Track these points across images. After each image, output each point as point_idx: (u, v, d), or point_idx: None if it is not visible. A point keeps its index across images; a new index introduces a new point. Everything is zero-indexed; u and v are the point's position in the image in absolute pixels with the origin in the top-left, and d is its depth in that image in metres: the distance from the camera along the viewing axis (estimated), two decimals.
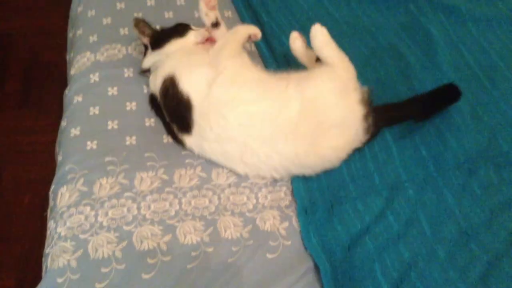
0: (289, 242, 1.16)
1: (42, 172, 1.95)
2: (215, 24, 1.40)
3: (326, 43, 1.28)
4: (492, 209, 1.24)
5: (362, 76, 1.51)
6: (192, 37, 1.40)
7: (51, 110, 2.41)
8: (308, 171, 1.27)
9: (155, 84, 1.35)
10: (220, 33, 1.41)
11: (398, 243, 1.18)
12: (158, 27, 1.47)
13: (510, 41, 1.65)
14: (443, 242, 1.18)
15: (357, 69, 1.54)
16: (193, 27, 1.42)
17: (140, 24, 1.41)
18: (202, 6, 1.37)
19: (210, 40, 1.41)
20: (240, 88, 1.24)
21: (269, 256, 1.14)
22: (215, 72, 1.26)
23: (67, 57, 1.74)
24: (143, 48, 1.47)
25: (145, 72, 1.44)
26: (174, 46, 1.38)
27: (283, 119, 1.22)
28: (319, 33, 1.28)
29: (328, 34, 1.29)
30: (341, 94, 1.25)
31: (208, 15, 1.39)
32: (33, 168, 2.25)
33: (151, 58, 1.42)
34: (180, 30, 1.41)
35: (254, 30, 1.40)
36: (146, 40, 1.42)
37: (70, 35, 1.77)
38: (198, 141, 1.27)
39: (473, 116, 1.43)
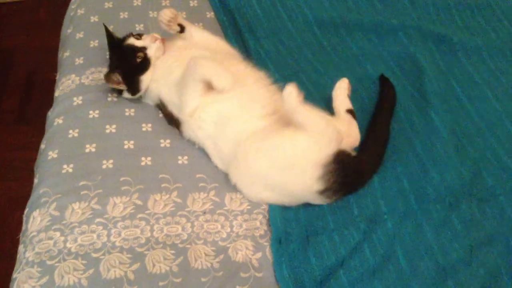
0: (261, 274, 1.13)
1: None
2: (181, 30, 1.47)
3: (295, 108, 1.22)
4: (472, 245, 1.21)
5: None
6: (152, 53, 1.41)
7: None
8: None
9: (153, 99, 1.45)
10: (192, 32, 1.49)
11: (373, 279, 1.15)
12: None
13: (500, 72, 1.63)
14: (419, 279, 1.15)
15: None
16: (136, 39, 1.43)
17: (111, 78, 1.40)
18: (163, 25, 1.43)
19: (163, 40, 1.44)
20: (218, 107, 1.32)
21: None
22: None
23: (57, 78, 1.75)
24: None
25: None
26: (147, 79, 1.41)
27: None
28: (290, 96, 1.22)
29: (297, 98, 1.22)
30: (298, 165, 1.22)
31: (171, 27, 1.45)
32: (25, 184, 2.24)
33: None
34: (139, 64, 1.40)
35: (214, 76, 1.30)
36: (123, 87, 1.43)
37: (59, 55, 1.78)
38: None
39: (457, 148, 1.40)
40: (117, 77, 1.39)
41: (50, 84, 2.58)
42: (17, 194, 2.15)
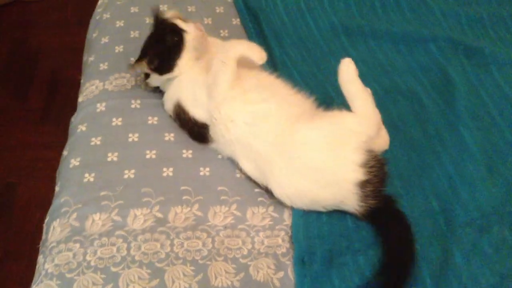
0: None
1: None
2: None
3: (352, 80, 1.28)
4: (502, 273, 1.16)
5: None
6: (190, 39, 1.36)
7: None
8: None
9: (167, 105, 1.41)
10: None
11: None
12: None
13: None
14: None
15: None
16: (180, 24, 1.38)
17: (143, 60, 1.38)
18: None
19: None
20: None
21: None
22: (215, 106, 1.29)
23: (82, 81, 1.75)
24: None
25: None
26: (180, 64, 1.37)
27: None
28: (348, 67, 1.28)
29: (355, 70, 1.27)
30: (343, 145, 1.20)
31: None
32: (47, 185, 2.25)
33: (158, 79, 1.41)
34: (177, 45, 1.36)
35: (250, 52, 1.31)
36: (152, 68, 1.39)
37: (84, 59, 1.77)
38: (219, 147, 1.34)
39: (489, 167, 1.35)
40: (150, 56, 1.36)
41: (75, 84, 2.61)
42: (39, 194, 2.18)
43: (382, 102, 1.51)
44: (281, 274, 1.13)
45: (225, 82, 1.27)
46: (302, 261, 1.15)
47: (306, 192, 1.22)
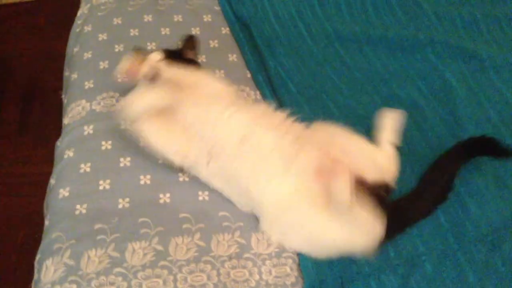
0: None
1: (39, 205, 1.85)
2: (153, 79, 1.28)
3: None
4: None
5: (374, 128, 1.42)
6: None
7: (49, 139, 2.32)
8: None
9: None
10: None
11: None
12: None
13: None
14: None
15: (369, 120, 1.45)
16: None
17: None
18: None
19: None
20: None
21: None
22: None
23: (63, 97, 1.65)
24: None
25: None
26: None
27: None
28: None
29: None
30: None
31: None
32: (30, 201, 2.15)
33: None
34: None
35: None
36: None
37: (66, 74, 1.68)
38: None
39: (496, 180, 1.31)
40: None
41: (51, 93, 2.50)
42: (21, 211, 2.08)
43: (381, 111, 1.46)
44: None
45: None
46: None
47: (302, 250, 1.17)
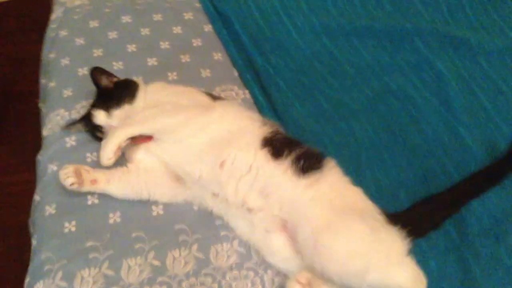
0: None
1: (19, 217, 1.78)
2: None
3: None
4: None
5: (370, 124, 1.39)
6: None
7: (26, 147, 2.23)
8: None
9: None
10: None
11: None
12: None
13: None
14: None
15: (363, 115, 1.41)
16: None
17: None
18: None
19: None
20: None
21: None
22: None
23: (40, 105, 1.58)
24: None
25: None
26: None
27: None
28: None
29: None
30: None
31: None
32: (10, 212, 2.07)
33: None
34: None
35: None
36: None
37: (42, 81, 1.60)
38: None
39: None
40: None
41: (25, 98, 2.40)
42: (1, 224, 1.99)
43: (375, 105, 1.44)
44: None
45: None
46: None
47: None
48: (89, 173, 1.16)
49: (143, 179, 1.17)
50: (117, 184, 1.17)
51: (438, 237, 1.18)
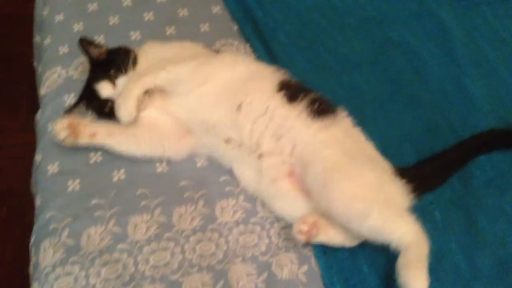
0: None
1: (19, 180, 1.77)
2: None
3: None
4: None
5: (373, 76, 1.37)
6: None
7: (21, 108, 2.20)
8: None
9: None
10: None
11: (431, 281, 1.05)
12: None
13: None
14: (480, 276, 1.05)
15: (366, 67, 1.39)
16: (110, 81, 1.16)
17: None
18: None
19: None
20: None
21: None
22: None
23: (35, 65, 1.54)
24: None
25: None
26: None
27: None
28: None
29: None
30: None
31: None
32: (9, 175, 2.06)
33: None
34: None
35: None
36: None
37: (36, 39, 1.56)
38: None
39: (498, 120, 1.29)
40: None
41: (20, 58, 2.34)
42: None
43: (378, 58, 1.42)
44: (305, 267, 1.05)
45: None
46: (324, 252, 1.07)
47: None
48: (87, 127, 1.14)
49: (147, 132, 1.15)
50: (118, 138, 1.15)
51: (442, 189, 1.18)
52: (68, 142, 1.13)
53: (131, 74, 1.15)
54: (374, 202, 1.01)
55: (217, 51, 1.26)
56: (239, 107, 1.11)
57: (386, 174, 1.06)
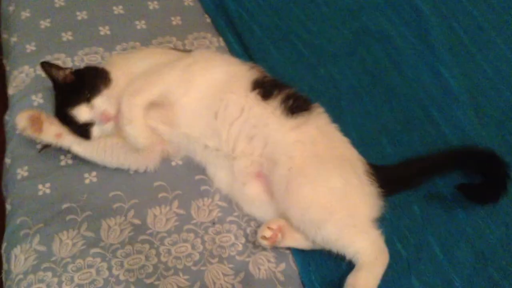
0: None
1: None
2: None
3: None
4: (507, 222, 1.12)
5: (349, 68, 1.36)
6: (97, 134, 1.11)
7: None
8: None
9: None
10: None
11: (409, 275, 1.04)
12: None
13: (505, 12, 1.50)
14: (458, 268, 1.05)
15: (342, 59, 1.38)
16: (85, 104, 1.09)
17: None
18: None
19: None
20: None
21: None
22: None
23: (4, 62, 1.50)
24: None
25: None
26: None
27: None
28: None
29: None
30: None
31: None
32: None
33: None
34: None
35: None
36: None
37: (4, 36, 1.50)
38: None
39: (475, 109, 1.29)
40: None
41: None
42: None
43: (354, 48, 1.40)
44: (282, 265, 1.04)
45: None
46: (302, 250, 1.06)
47: None
48: (53, 126, 1.10)
49: (119, 143, 1.10)
50: (86, 146, 1.11)
51: None
52: (29, 134, 1.09)
53: (105, 93, 1.09)
54: (333, 213, 1.00)
55: (188, 51, 1.21)
56: (215, 115, 1.08)
57: (355, 180, 1.04)
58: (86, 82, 1.09)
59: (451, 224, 1.11)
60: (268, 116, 1.07)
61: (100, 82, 1.09)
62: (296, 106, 1.08)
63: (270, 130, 1.06)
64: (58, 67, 1.12)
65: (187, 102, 1.09)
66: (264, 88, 1.09)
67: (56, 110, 1.14)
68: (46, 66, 1.11)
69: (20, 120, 1.09)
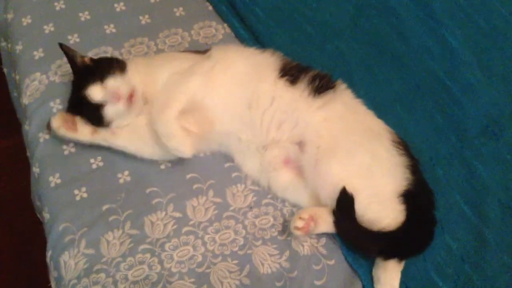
0: (333, 261, 1.06)
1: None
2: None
3: None
4: None
5: (355, 41, 1.38)
6: (110, 115, 1.11)
7: None
8: None
9: None
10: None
11: (443, 235, 1.10)
12: None
13: None
14: (488, 224, 1.11)
15: (347, 33, 1.40)
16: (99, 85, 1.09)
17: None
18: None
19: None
20: None
21: (317, 283, 1.03)
22: None
23: (5, 70, 1.49)
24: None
25: None
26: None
27: None
28: None
29: None
30: None
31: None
32: None
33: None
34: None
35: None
36: None
37: (2, 45, 1.49)
38: None
39: (482, 68, 1.33)
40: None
41: None
42: None
43: (356, 22, 1.43)
44: (323, 240, 1.08)
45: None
46: None
47: None
48: (87, 124, 1.12)
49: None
50: (125, 135, 1.13)
51: (439, 145, 1.22)
52: (62, 133, 1.13)
53: (119, 75, 1.10)
54: (360, 190, 1.02)
55: (205, 51, 1.21)
56: (249, 107, 1.10)
57: (383, 152, 1.07)
58: (102, 65, 1.11)
59: (474, 182, 1.17)
60: (297, 99, 1.10)
61: (116, 67, 1.11)
62: (322, 86, 1.11)
63: (300, 113, 1.09)
64: (76, 53, 1.14)
65: (217, 102, 1.11)
66: (292, 74, 1.12)
67: (70, 97, 1.16)
68: (65, 48, 1.13)
69: (54, 121, 1.12)
